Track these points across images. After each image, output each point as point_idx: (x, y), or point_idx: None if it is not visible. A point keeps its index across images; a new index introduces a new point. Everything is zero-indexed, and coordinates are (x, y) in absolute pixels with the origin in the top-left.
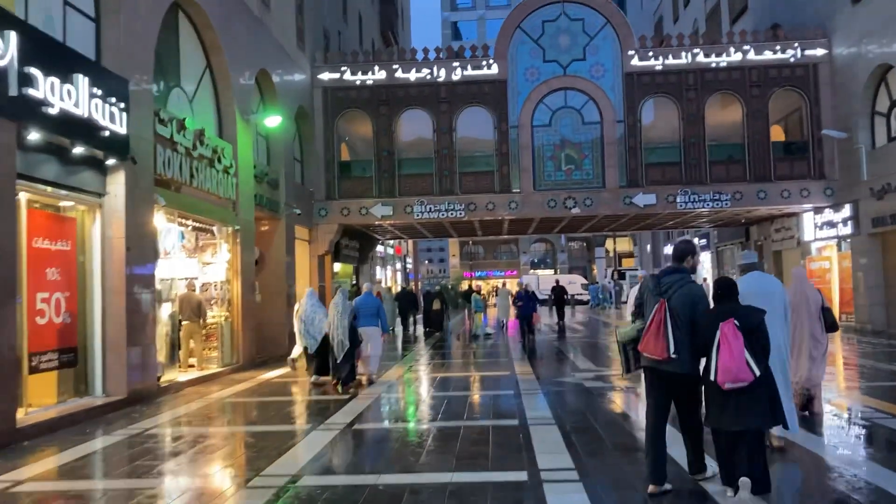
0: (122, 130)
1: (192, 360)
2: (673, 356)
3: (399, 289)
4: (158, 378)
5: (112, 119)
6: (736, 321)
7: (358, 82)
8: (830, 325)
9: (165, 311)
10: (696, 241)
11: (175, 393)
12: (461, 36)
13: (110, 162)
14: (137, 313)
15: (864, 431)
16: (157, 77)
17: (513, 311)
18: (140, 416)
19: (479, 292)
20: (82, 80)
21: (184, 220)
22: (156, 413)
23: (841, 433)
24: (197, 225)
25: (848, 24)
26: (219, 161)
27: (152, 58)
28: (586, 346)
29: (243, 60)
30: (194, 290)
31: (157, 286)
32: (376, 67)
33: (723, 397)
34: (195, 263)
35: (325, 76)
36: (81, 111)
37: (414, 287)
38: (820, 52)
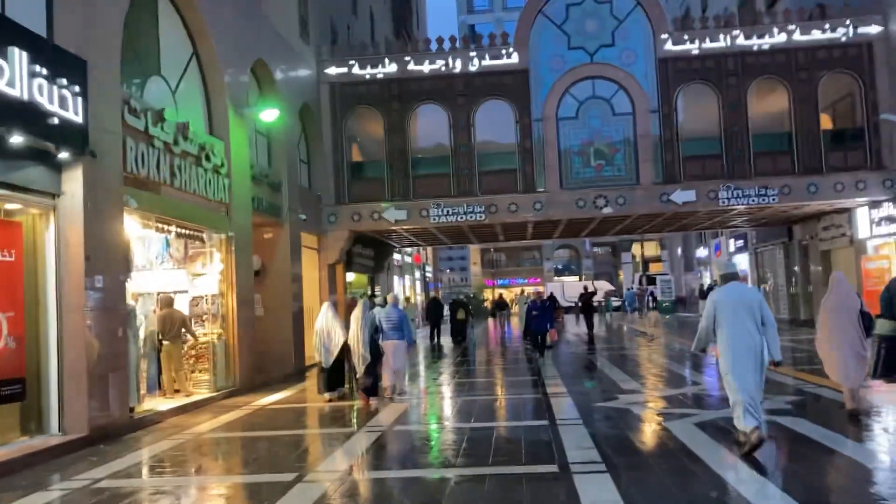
0: (78, 119)
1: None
2: None
3: (419, 298)
4: (132, 409)
5: (63, 104)
6: None
7: (367, 76)
8: (868, 329)
9: (142, 330)
10: (731, 242)
11: (152, 426)
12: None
13: (64, 156)
14: (102, 334)
15: None
16: (129, 62)
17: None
18: (99, 459)
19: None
20: (19, 56)
21: (164, 226)
22: (119, 455)
23: None
24: (182, 231)
25: None
26: (207, 159)
27: (119, 37)
28: (623, 359)
29: (236, 49)
30: (172, 305)
31: (131, 302)
32: (387, 60)
33: None
34: (184, 275)
35: (332, 71)
36: (18, 92)
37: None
38: (875, 29)
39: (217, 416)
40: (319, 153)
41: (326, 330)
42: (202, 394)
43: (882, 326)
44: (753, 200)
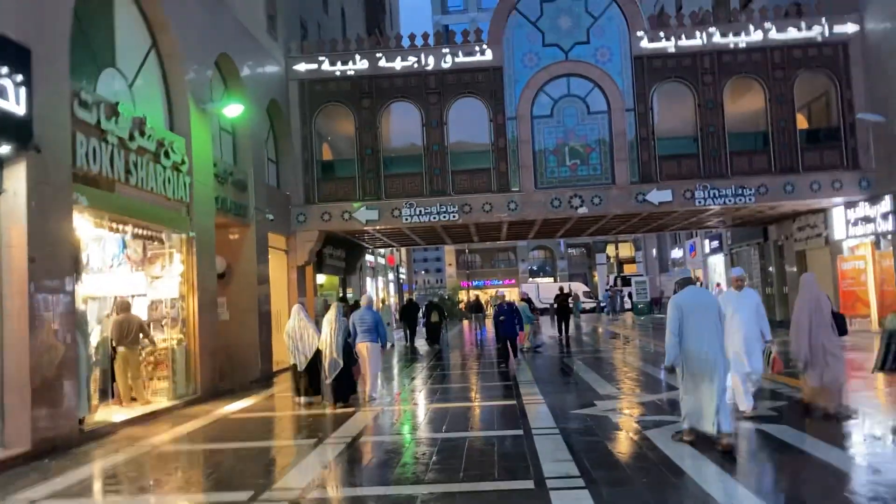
0: (20, 111)
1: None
2: None
3: (393, 300)
4: (82, 421)
5: (3, 95)
6: None
7: (338, 73)
8: (842, 330)
9: (95, 336)
10: (706, 242)
11: (104, 439)
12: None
13: (5, 151)
14: (49, 341)
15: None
16: (80, 52)
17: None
18: (40, 476)
19: (528, 301)
20: None
21: (119, 226)
22: (63, 471)
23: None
24: (139, 232)
25: None
26: (166, 156)
27: (68, 25)
28: (599, 362)
29: (199, 42)
30: (129, 309)
31: (82, 306)
32: (357, 56)
33: None
34: (142, 278)
35: (302, 67)
36: None
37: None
38: (851, 28)
39: (175, 427)
40: (288, 151)
41: (298, 332)
42: (161, 403)
43: (894, 322)
44: (730, 200)
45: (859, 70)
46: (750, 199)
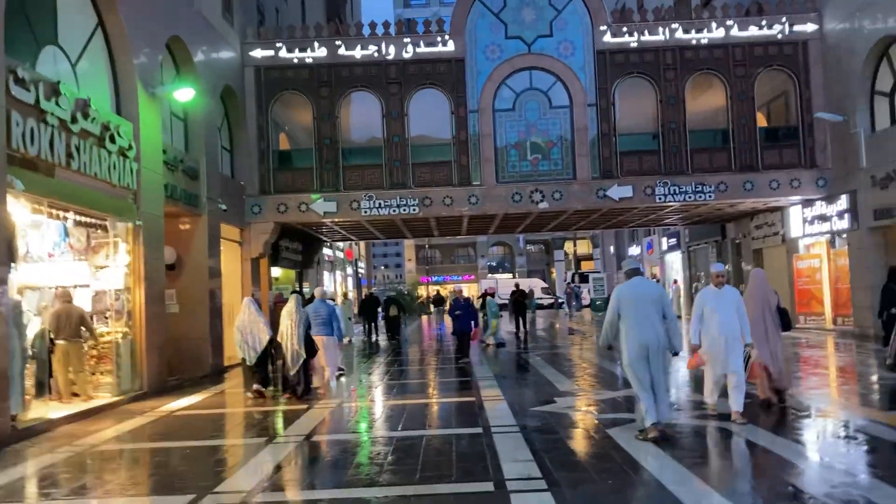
0: None
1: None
2: None
3: (351, 295)
4: (14, 417)
5: None
6: None
7: (296, 60)
8: (786, 325)
9: (32, 327)
10: (664, 240)
11: (38, 436)
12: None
13: None
14: None
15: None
16: (17, 25)
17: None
18: None
19: (493, 295)
20: None
21: (59, 212)
22: None
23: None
24: (81, 219)
25: None
26: (112, 140)
27: None
28: (557, 358)
29: (149, 23)
30: (70, 300)
31: (17, 296)
32: (316, 44)
33: None
34: (85, 267)
35: (258, 53)
36: None
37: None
38: (810, 27)
39: (117, 424)
40: (243, 140)
41: (248, 326)
42: (104, 398)
43: None
44: (690, 197)
45: (818, 70)
46: (710, 197)
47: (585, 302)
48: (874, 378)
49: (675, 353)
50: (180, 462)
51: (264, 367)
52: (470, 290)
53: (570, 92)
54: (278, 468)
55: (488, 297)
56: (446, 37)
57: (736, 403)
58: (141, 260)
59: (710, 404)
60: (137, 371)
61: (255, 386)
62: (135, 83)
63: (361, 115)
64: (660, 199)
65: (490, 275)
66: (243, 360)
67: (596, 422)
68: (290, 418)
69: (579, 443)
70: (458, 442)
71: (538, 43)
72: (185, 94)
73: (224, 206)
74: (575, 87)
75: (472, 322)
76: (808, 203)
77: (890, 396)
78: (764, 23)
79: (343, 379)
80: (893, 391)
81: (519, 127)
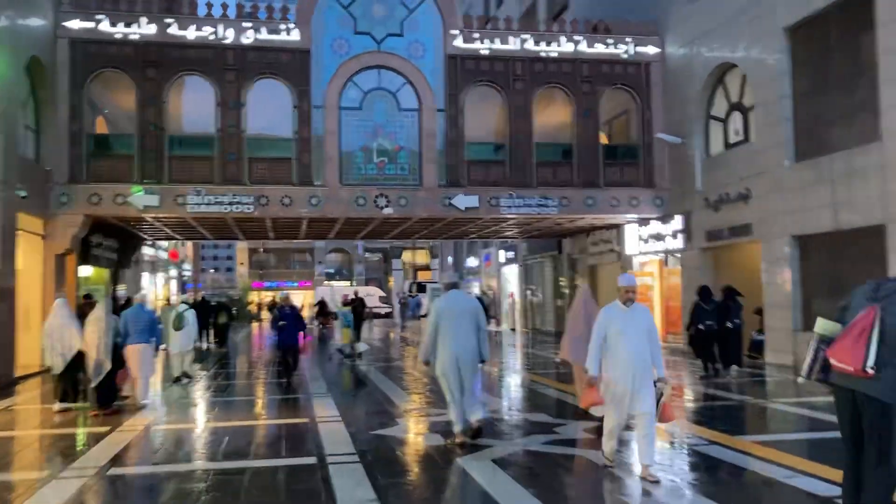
0: None
1: None
2: (869, 371)
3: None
4: None
5: None
6: None
7: (119, 35)
8: None
9: None
10: (501, 253)
11: None
12: None
13: None
14: None
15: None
16: None
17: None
18: None
19: (349, 304)
20: None
21: None
22: None
23: None
24: None
25: (683, 23)
26: None
27: None
28: (395, 371)
29: None
30: None
31: None
32: (144, 19)
33: None
34: None
35: (75, 24)
36: None
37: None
38: (653, 50)
39: None
40: (53, 120)
41: (59, 331)
42: None
43: (824, 326)
44: (534, 210)
45: (659, 92)
46: (553, 210)
47: (424, 311)
48: (702, 394)
49: (483, 361)
50: None
51: (70, 378)
52: (307, 298)
53: (419, 95)
54: None
55: (343, 307)
56: (291, 25)
57: (646, 455)
58: None
59: (607, 453)
60: None
61: (57, 406)
62: None
63: (193, 102)
64: (505, 210)
65: (327, 282)
66: (49, 368)
67: (443, 447)
68: (88, 443)
69: (428, 476)
70: (289, 476)
71: (388, 42)
72: None
73: (24, 193)
74: (424, 90)
75: (301, 334)
76: (644, 221)
77: (717, 414)
78: (611, 41)
79: (166, 390)
80: (722, 410)
81: (366, 127)
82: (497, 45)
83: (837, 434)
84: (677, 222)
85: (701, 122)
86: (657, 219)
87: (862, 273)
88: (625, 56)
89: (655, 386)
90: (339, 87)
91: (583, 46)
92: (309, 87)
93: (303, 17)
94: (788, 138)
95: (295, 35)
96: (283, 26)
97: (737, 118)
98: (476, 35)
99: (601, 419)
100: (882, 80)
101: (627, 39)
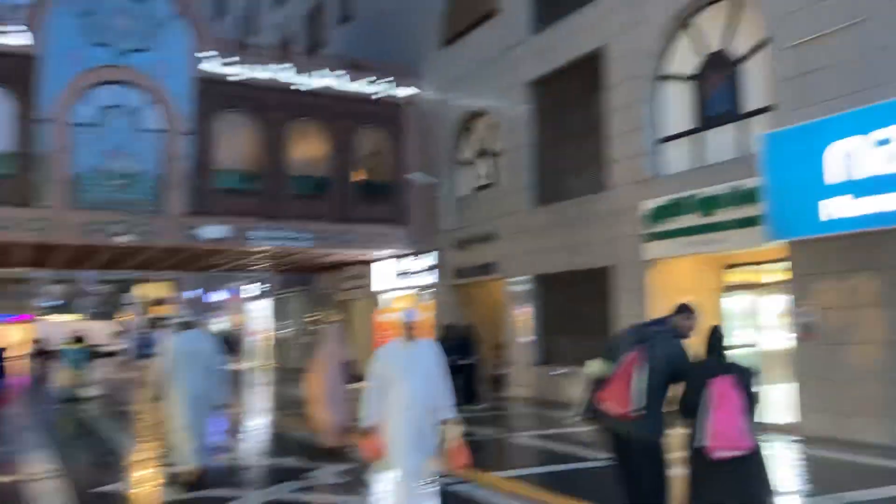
0: None
1: None
2: (635, 414)
3: None
4: None
5: None
6: (733, 378)
7: None
8: (349, 377)
9: None
10: (252, 286)
11: None
12: None
13: None
14: None
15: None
16: None
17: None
18: None
19: (80, 340)
20: None
21: None
22: None
23: None
24: None
25: (436, 68)
26: None
27: None
28: (122, 416)
29: None
30: None
31: None
32: None
33: (710, 470)
34: None
35: None
36: None
37: None
38: (408, 91)
39: None
40: None
41: None
42: None
43: (594, 367)
44: (287, 243)
45: (413, 132)
46: (307, 244)
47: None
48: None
49: (219, 406)
50: None
51: None
52: (27, 333)
53: (165, 116)
54: None
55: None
56: (20, 27)
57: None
58: None
59: None
60: None
61: None
62: None
63: None
64: (256, 242)
65: (50, 316)
66: None
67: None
68: None
69: None
70: None
71: (133, 57)
72: None
73: None
74: (170, 111)
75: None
76: (397, 258)
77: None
78: (367, 80)
79: None
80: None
81: (103, 146)
82: (252, 72)
83: (583, 465)
84: (429, 259)
85: (450, 164)
86: (410, 255)
87: (594, 311)
88: (381, 95)
89: (443, 428)
90: (72, 99)
91: (339, 82)
92: (36, 98)
93: (32, 20)
94: (531, 184)
95: (22, 38)
96: (10, 28)
97: (485, 162)
98: (229, 60)
99: (359, 461)
100: (611, 136)
101: (384, 79)
